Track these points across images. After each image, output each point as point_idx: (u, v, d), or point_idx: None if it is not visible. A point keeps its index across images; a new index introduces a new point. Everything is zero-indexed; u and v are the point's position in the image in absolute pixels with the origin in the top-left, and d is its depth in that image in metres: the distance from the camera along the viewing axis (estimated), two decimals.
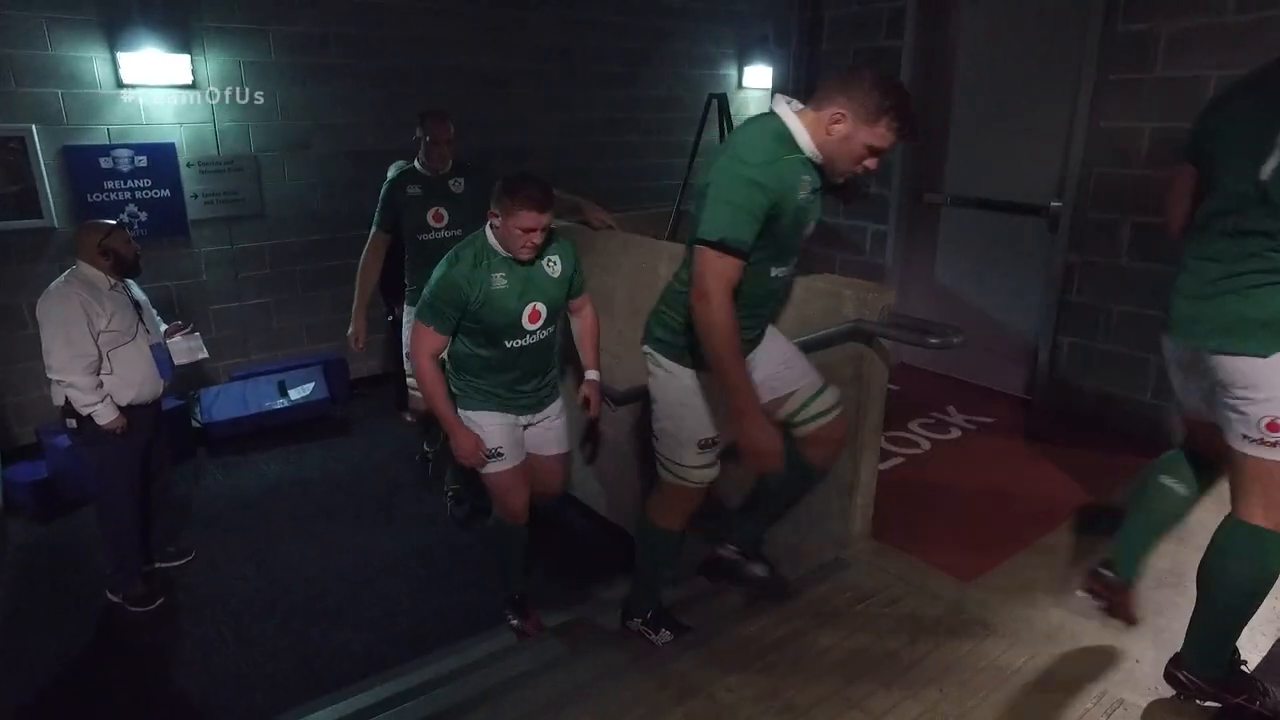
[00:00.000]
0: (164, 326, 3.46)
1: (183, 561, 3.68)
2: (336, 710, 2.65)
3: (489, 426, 2.64)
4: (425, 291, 2.50)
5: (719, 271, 1.85)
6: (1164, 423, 3.56)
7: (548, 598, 3.23)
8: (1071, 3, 3.66)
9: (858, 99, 1.85)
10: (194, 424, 4.93)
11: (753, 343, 2.22)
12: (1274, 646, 2.27)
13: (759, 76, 7.33)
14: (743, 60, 7.43)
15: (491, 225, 2.46)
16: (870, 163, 1.93)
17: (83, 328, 2.98)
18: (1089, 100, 3.57)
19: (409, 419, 5.13)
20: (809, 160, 1.95)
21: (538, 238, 2.41)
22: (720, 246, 1.84)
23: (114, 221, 3.22)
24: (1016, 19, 3.98)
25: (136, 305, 3.23)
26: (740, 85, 7.49)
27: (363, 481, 4.57)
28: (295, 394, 5.11)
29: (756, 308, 2.11)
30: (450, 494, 4.06)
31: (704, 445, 2.22)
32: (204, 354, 3.56)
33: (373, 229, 3.65)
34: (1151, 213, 3.46)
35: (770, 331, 2.35)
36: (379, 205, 3.62)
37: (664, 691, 2.17)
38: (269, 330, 5.49)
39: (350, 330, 3.76)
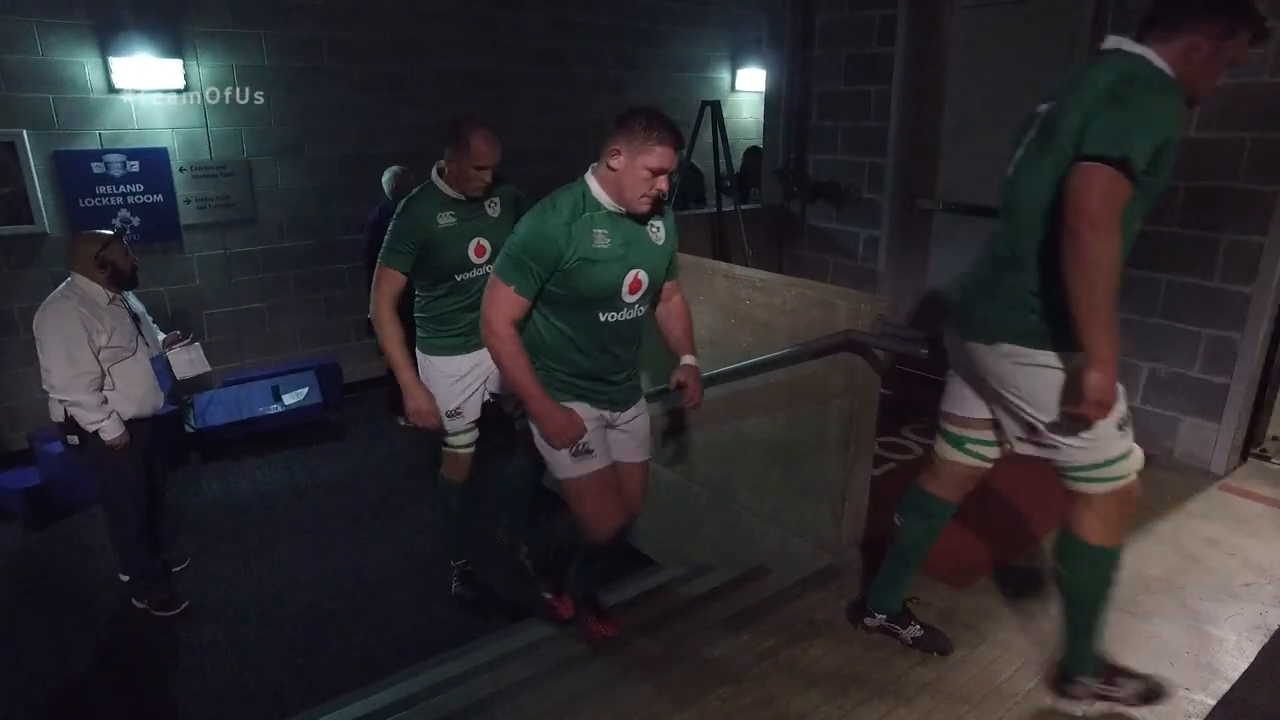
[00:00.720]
0: (162, 336, 3.38)
1: (180, 567, 3.67)
2: (333, 719, 2.66)
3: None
4: (509, 245, 2.08)
5: (1115, 195, 1.55)
6: (1153, 429, 3.60)
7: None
8: (1060, 12, 3.69)
9: (1205, 18, 1.67)
10: (187, 429, 4.92)
11: None
12: (1259, 656, 2.29)
13: (752, 80, 7.35)
14: (735, 63, 7.45)
15: (603, 169, 2.05)
16: (1221, 80, 1.75)
17: (84, 345, 2.91)
18: None
19: (403, 423, 5.12)
20: None
21: (664, 184, 2.04)
22: (1123, 166, 1.55)
23: (110, 231, 3.13)
24: (1006, 27, 4.01)
25: (135, 318, 3.18)
26: (733, 88, 7.52)
27: (357, 486, 4.58)
28: (289, 399, 5.11)
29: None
30: (527, 554, 3.19)
31: (1125, 423, 1.90)
32: (205, 367, 3.46)
33: (383, 264, 2.68)
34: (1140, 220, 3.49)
35: None
36: (396, 234, 2.65)
37: (659, 700, 2.19)
38: (262, 335, 5.49)
39: (413, 407, 2.82)
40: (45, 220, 4.54)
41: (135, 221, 4.78)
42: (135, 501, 3.23)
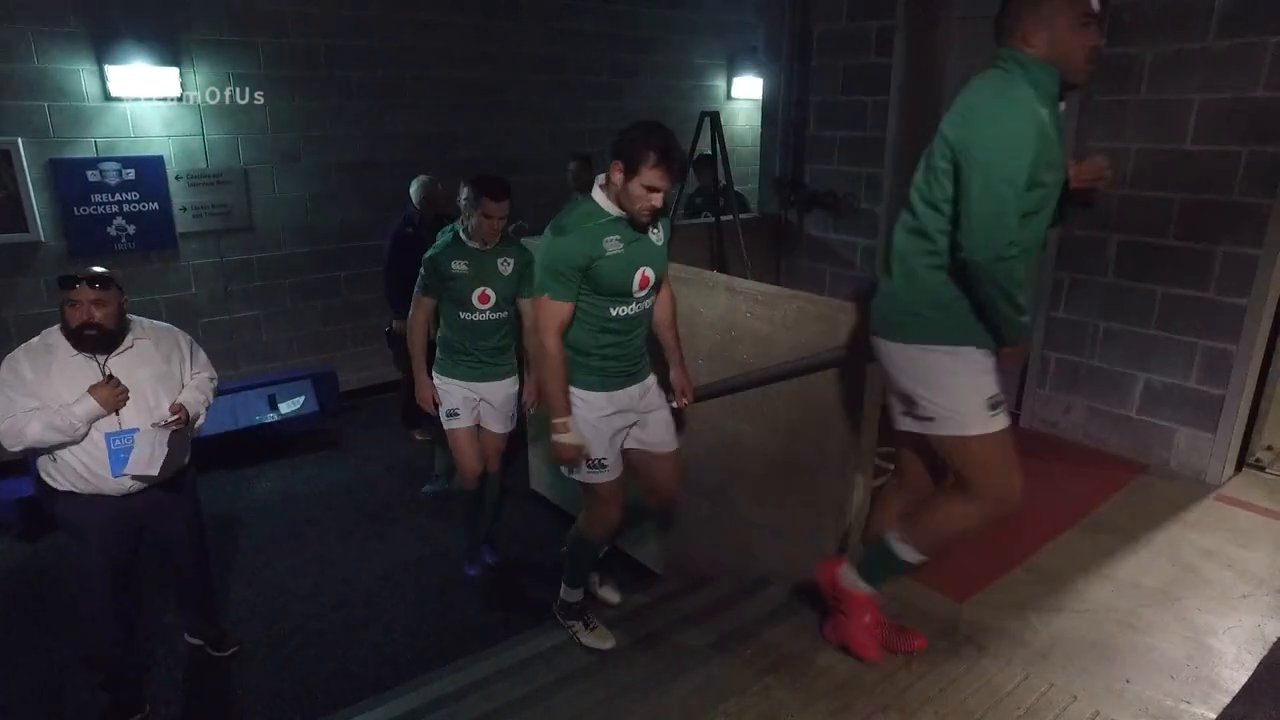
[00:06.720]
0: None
1: (224, 654, 3.16)
2: None
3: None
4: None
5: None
6: (1149, 439, 3.63)
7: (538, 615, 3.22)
8: None
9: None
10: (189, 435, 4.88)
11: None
12: (1258, 669, 2.31)
13: (748, 87, 7.38)
14: (731, 71, 7.48)
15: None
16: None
17: (11, 395, 2.38)
18: (1075, 120, 3.63)
19: (418, 437, 5.07)
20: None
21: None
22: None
23: (97, 270, 2.47)
24: None
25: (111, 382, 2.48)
26: (729, 96, 7.54)
27: (354, 496, 4.55)
28: (285, 407, 5.08)
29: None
30: None
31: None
32: (154, 470, 2.53)
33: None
34: (1138, 231, 3.52)
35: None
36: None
37: (663, 717, 2.19)
38: (258, 343, 5.46)
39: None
40: (40, 229, 4.52)
41: (130, 230, 4.76)
42: (99, 584, 2.60)
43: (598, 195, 2.32)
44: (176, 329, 2.78)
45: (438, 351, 3.25)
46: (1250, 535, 3.03)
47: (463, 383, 3.20)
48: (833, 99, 4.75)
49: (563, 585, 2.83)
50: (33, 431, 2.36)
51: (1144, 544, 2.98)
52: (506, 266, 3.13)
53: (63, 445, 2.43)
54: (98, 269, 2.48)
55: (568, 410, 2.37)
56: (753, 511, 3.09)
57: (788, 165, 5.03)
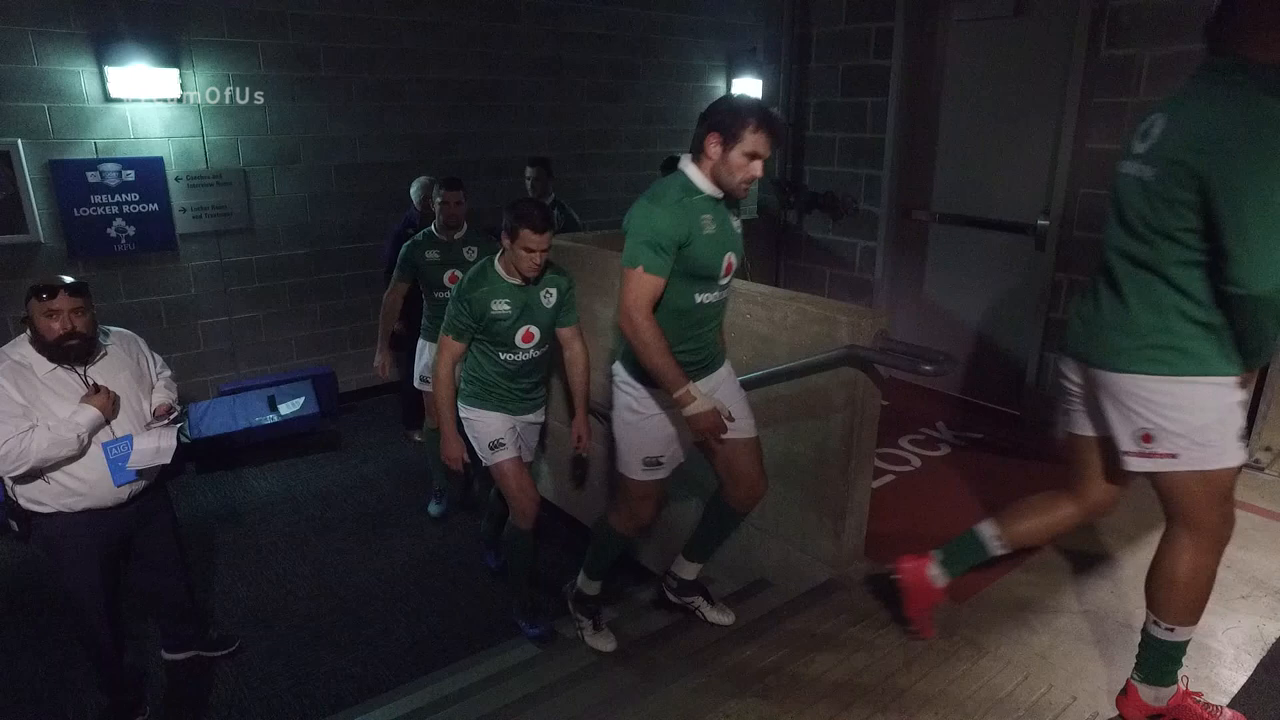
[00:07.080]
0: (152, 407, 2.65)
1: (225, 652, 3.18)
2: None
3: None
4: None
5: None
6: None
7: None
8: (1056, 27, 3.73)
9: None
10: (183, 439, 4.88)
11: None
12: (1257, 669, 2.31)
13: (748, 89, 7.37)
14: (731, 73, 7.48)
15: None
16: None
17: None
18: (1074, 122, 3.64)
19: (417, 438, 5.07)
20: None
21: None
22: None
23: (68, 279, 2.39)
24: (1001, 40, 4.05)
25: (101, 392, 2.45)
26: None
27: (353, 497, 4.56)
28: (285, 409, 5.08)
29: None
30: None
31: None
32: (168, 459, 2.61)
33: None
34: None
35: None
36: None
37: (663, 717, 2.19)
38: (258, 344, 5.46)
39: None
40: (39, 230, 4.52)
41: (130, 231, 4.76)
42: (95, 602, 2.60)
43: (691, 171, 2.16)
44: (130, 331, 2.73)
45: (463, 383, 2.97)
46: (1250, 536, 3.03)
47: (499, 413, 2.97)
48: (832, 100, 4.76)
49: (581, 574, 2.75)
50: (36, 450, 2.30)
51: (1144, 544, 2.98)
52: (550, 298, 2.89)
53: (59, 464, 2.38)
54: (67, 277, 2.41)
55: (685, 377, 2.16)
56: (752, 512, 3.09)
57: (787, 166, 5.03)
